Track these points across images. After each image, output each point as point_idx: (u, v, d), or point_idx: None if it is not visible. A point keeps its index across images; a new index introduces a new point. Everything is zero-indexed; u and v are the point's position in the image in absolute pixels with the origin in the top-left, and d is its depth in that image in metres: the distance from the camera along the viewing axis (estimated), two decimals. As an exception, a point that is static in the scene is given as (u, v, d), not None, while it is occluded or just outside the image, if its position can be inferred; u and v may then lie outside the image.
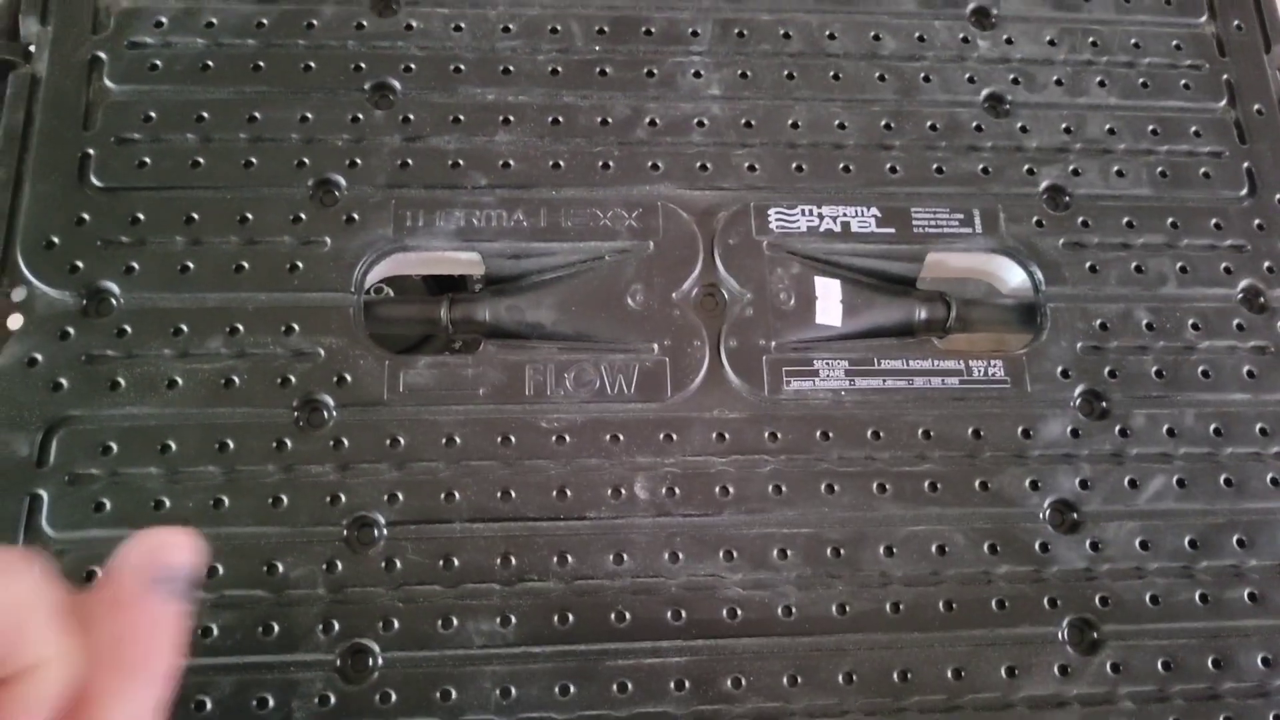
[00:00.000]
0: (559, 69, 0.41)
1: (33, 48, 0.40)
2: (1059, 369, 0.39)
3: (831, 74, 0.42)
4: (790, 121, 0.41)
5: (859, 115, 0.41)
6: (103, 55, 0.39)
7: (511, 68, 0.41)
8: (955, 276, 0.43)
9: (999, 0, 0.44)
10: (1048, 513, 0.37)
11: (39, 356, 0.35)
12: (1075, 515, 0.37)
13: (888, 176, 0.41)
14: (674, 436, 0.37)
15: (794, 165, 0.41)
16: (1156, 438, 0.38)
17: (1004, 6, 0.44)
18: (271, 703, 0.33)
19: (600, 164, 0.40)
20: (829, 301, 0.39)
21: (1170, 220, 0.41)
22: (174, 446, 0.35)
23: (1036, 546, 0.37)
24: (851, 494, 0.37)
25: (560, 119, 0.40)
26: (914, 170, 0.41)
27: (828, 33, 0.42)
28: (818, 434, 0.37)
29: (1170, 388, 0.39)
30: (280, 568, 0.34)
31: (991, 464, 0.38)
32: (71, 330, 0.36)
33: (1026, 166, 0.41)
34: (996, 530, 0.37)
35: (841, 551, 0.36)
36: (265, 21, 0.40)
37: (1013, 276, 0.42)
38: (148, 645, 0.20)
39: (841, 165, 0.41)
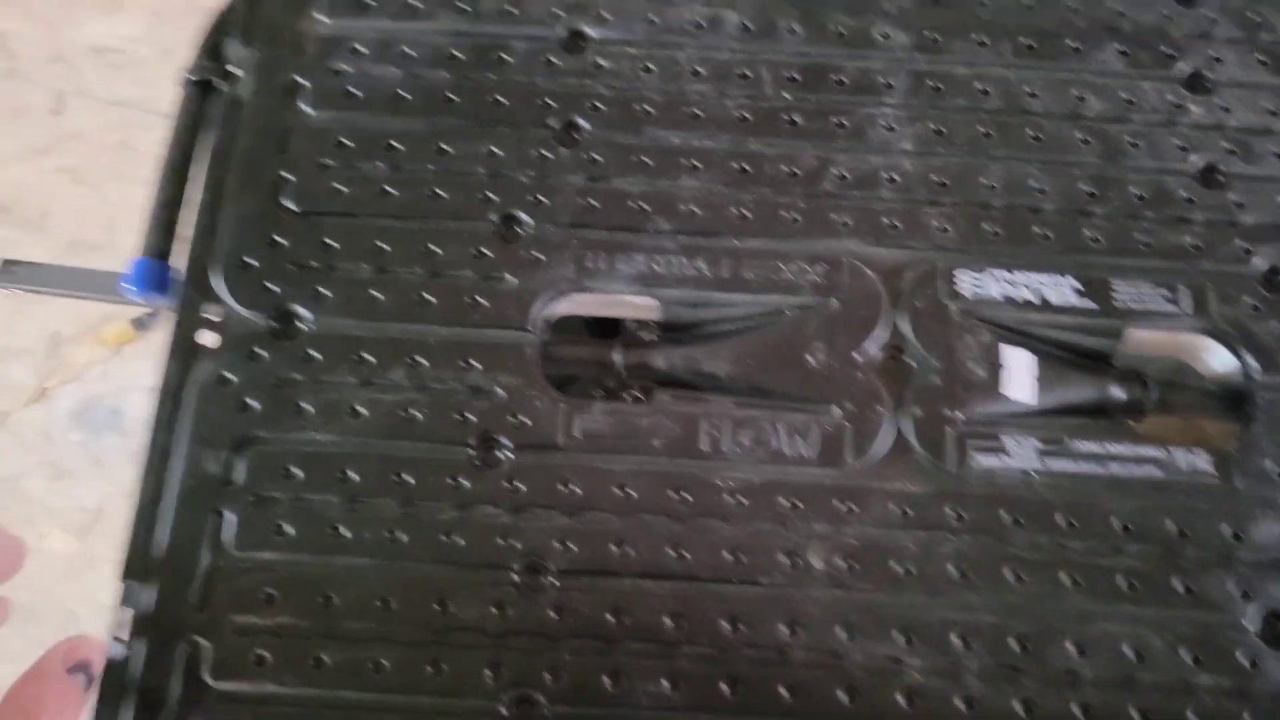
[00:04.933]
0: (747, 116, 0.40)
1: (233, 69, 0.41)
2: (1273, 466, 0.36)
3: (1030, 133, 0.40)
4: (985, 181, 0.39)
5: (1058, 178, 0.39)
6: (303, 80, 0.40)
7: (699, 112, 0.40)
8: (1152, 355, 0.40)
9: (1214, 64, 0.41)
10: (1258, 624, 0.34)
11: (231, 376, 0.36)
12: (1286, 627, 0.34)
13: (1088, 245, 0.39)
14: (853, 506, 0.35)
15: (987, 227, 0.39)
16: (1379, 548, 0.35)
17: (1220, 71, 0.41)
18: (436, 747, 0.32)
19: (786, 215, 0.39)
20: (1020, 374, 0.37)
21: (1400, 310, 0.38)
22: (354, 476, 0.35)
23: (1243, 660, 0.34)
24: (1040, 583, 0.35)
25: (746, 167, 0.39)
26: (1117, 240, 0.39)
27: (1027, 90, 0.41)
28: (1005, 516, 0.35)
29: (1396, 494, 0.36)
30: (451, 607, 0.34)
31: (1195, 564, 0.35)
32: (262, 352, 0.37)
33: (1241, 244, 0.39)
34: (1199, 637, 0.34)
35: (1028, 644, 0.34)
36: (458, 54, 0.41)
37: (1218, 360, 0.39)
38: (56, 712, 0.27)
39: (1038, 230, 0.39)
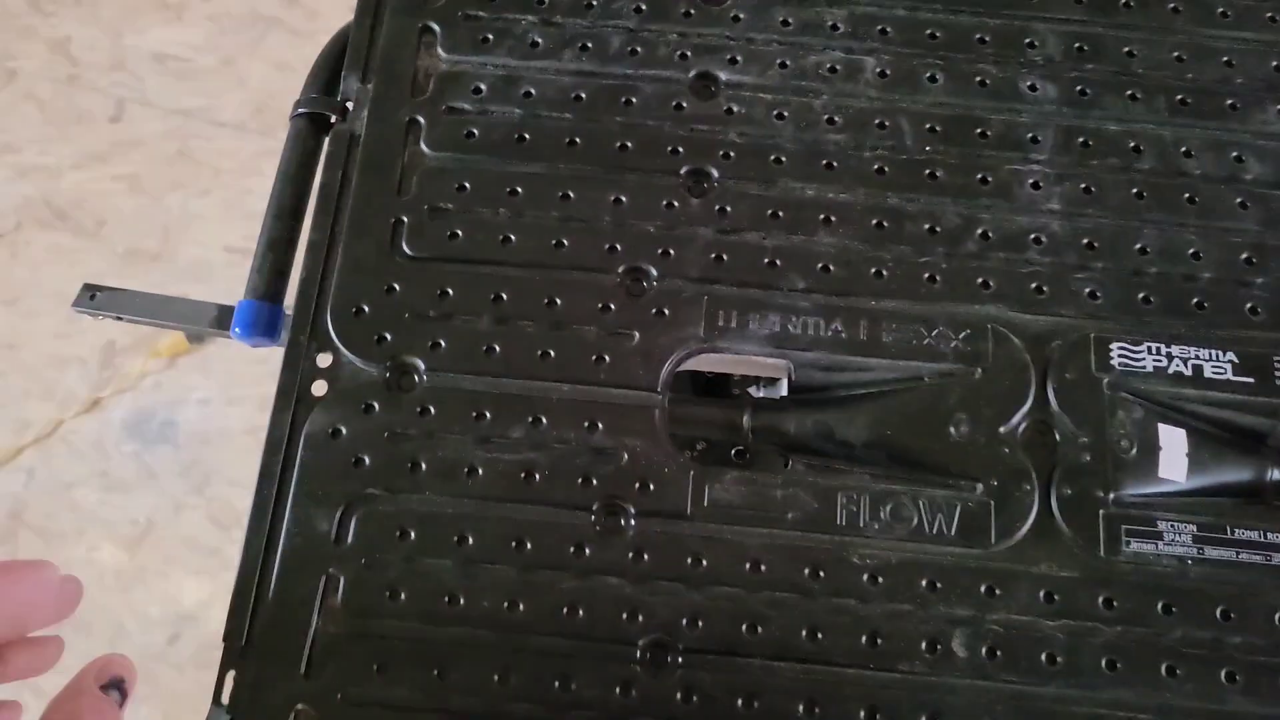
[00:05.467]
0: (885, 168, 0.38)
1: (349, 104, 0.40)
2: None
3: (1186, 196, 0.38)
4: (1138, 246, 0.37)
5: (1216, 245, 0.37)
6: (421, 119, 0.39)
7: (835, 163, 0.38)
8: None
9: (1379, 126, 0.39)
10: None
11: (343, 429, 0.35)
12: None
13: (1247, 318, 0.36)
14: (997, 590, 0.33)
15: (1140, 295, 0.37)
16: None
17: (1385, 133, 0.39)
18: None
19: (926, 276, 0.37)
20: (1174, 453, 0.35)
21: None
22: (470, 540, 0.33)
23: None
24: (1197, 680, 0.32)
25: (885, 223, 0.37)
26: (1278, 314, 0.36)
27: (1183, 149, 0.38)
28: (1160, 606, 0.33)
29: None
30: (573, 685, 0.32)
31: (1366, 666, 0.33)
32: (375, 404, 0.35)
33: None
34: (1371, 746, 0.32)
35: (1188, 749, 0.32)
36: (583, 95, 0.39)
37: (1380, 441, 0.37)
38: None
39: (1194, 300, 0.37)
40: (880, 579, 0.33)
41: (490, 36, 0.40)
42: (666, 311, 0.36)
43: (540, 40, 0.40)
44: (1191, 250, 0.37)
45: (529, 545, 0.33)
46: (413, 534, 0.33)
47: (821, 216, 0.37)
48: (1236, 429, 0.36)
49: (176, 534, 0.96)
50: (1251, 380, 0.36)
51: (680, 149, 0.38)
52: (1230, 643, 0.33)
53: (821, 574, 0.33)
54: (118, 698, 0.29)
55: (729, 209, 0.37)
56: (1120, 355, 0.36)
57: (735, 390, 0.42)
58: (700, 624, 0.33)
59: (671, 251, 0.37)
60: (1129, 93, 0.39)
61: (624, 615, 0.33)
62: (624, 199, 0.38)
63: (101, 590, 0.93)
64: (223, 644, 0.33)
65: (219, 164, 1.08)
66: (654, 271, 0.37)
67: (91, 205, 1.10)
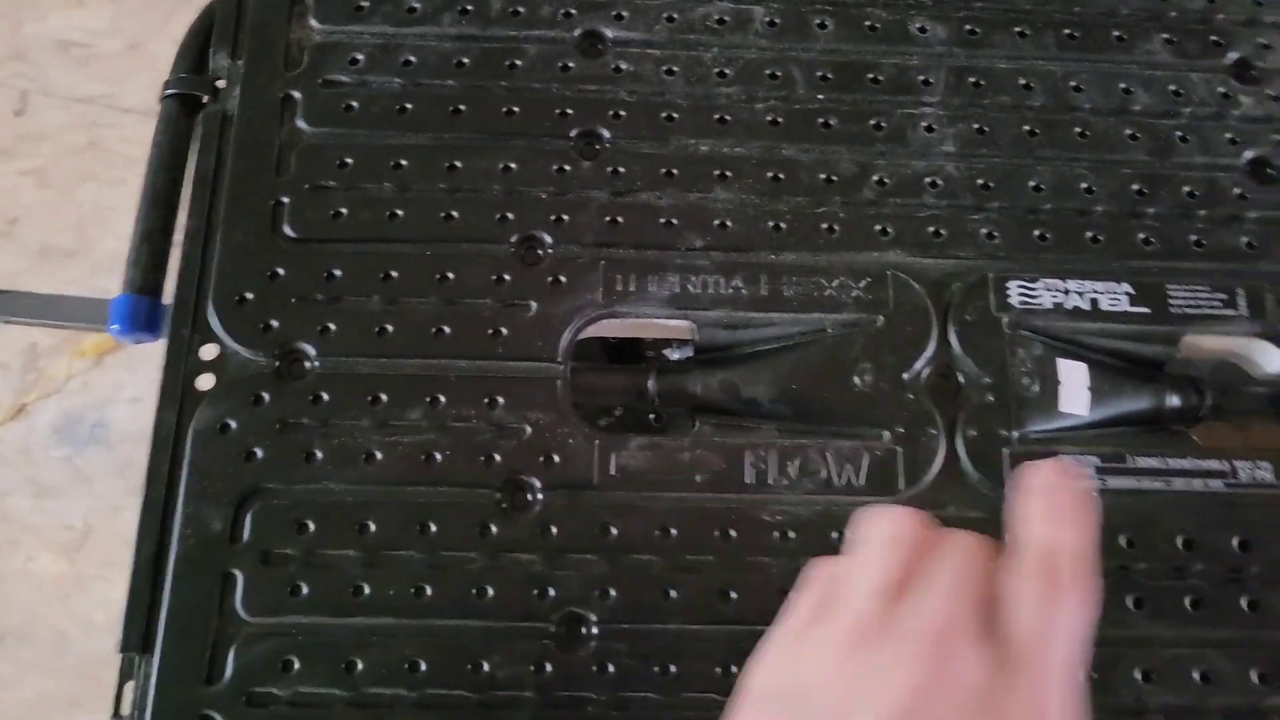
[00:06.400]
0: (779, 119, 0.37)
1: (221, 83, 0.38)
2: (1339, 475, 0.35)
3: (1077, 131, 0.38)
4: (1032, 184, 0.37)
5: (1108, 178, 0.37)
6: (296, 94, 0.37)
7: (728, 117, 0.37)
8: (1200, 358, 0.38)
9: (1262, 52, 0.39)
10: (1330, 642, 0.33)
11: (232, 423, 0.33)
12: (1359, 646, 0.33)
13: (1140, 248, 0.37)
14: (908, 536, 0.33)
15: (1036, 233, 0.37)
16: None
17: (1269, 59, 0.39)
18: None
19: (824, 226, 0.36)
20: (1075, 388, 0.35)
21: None
22: (373, 526, 0.33)
23: (1318, 680, 0.33)
24: (1104, 607, 0.33)
25: (780, 175, 0.37)
26: (1170, 242, 0.37)
27: (1073, 84, 0.38)
28: (1067, 540, 0.34)
29: None
30: (486, 666, 0.31)
31: (1260, 581, 0.33)
32: (265, 394, 0.34)
33: (1298, 241, 0.37)
34: (1268, 657, 0.33)
35: (1093, 675, 0.32)
36: (465, 61, 0.38)
37: (1271, 362, 0.37)
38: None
39: (1089, 234, 0.37)
40: (792, 534, 0.33)
41: (365, 4, 0.38)
42: (563, 279, 0.35)
43: (418, 5, 0.38)
44: (1084, 185, 0.37)
45: (434, 528, 0.33)
46: (312, 526, 0.32)
47: (716, 172, 0.37)
48: (1135, 359, 0.37)
49: (116, 537, 0.94)
50: (1147, 310, 0.36)
51: (569, 111, 0.37)
52: (1135, 569, 0.33)
53: (733, 534, 0.33)
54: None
55: (622, 170, 0.36)
56: (1019, 293, 0.36)
57: (650, 355, 0.42)
58: (613, 594, 0.32)
59: (565, 217, 0.36)
60: (1017, 30, 0.39)
61: (535, 592, 0.32)
62: (513, 166, 0.36)
63: (42, 600, 0.90)
64: (119, 654, 0.32)
65: (131, 152, 1.03)
66: (548, 239, 0.36)
67: (0, 203, 1.05)
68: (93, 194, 1.05)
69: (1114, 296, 0.36)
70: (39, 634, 0.90)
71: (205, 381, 0.34)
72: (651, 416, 0.40)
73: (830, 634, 0.24)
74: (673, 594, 0.32)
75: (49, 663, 0.90)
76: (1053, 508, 0.25)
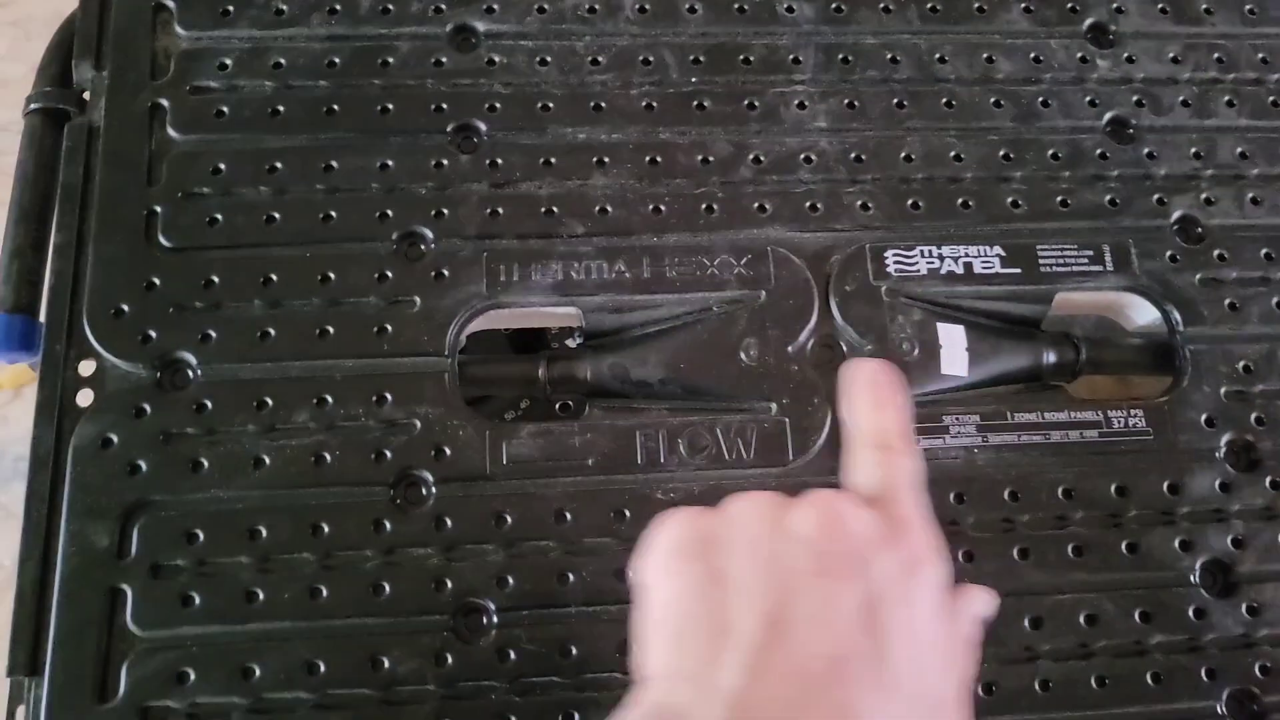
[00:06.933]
0: (654, 104, 0.38)
1: (87, 95, 0.37)
2: (1203, 417, 0.36)
3: (944, 101, 0.39)
4: (903, 154, 0.38)
5: (976, 145, 0.39)
6: (164, 102, 0.36)
7: (603, 104, 0.38)
8: (1074, 314, 0.40)
9: (1117, 16, 0.41)
10: (1200, 575, 0.35)
11: (113, 437, 0.33)
12: (1230, 577, 0.35)
13: (1010, 211, 0.38)
14: (799, 504, 0.34)
15: (910, 202, 0.38)
16: (1312, 489, 0.36)
17: (1123, 23, 0.41)
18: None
19: (704, 207, 0.37)
20: (954, 350, 0.36)
21: (1312, 251, 0.38)
22: (264, 532, 0.32)
23: (1190, 613, 0.34)
24: (991, 561, 0.34)
25: (658, 159, 0.37)
26: (1037, 204, 0.38)
27: (938, 56, 0.40)
28: (951, 496, 0.35)
29: (1323, 434, 0.36)
30: (386, 662, 0.31)
31: (1138, 524, 0.35)
32: (147, 406, 0.33)
33: (1156, 196, 0.39)
34: (1147, 596, 0.34)
35: (984, 625, 0.33)
36: (337, 61, 0.37)
37: (1141, 314, 0.39)
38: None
39: (960, 200, 0.38)
40: (685, 510, 0.34)
41: (231, 8, 0.38)
42: (446, 273, 0.35)
43: (285, 7, 0.38)
44: (953, 153, 0.38)
45: (327, 529, 0.32)
46: (201, 535, 0.32)
47: (594, 159, 0.37)
48: (1011, 319, 0.38)
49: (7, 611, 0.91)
50: (1019, 270, 0.37)
51: (444, 105, 0.37)
52: (1020, 521, 0.35)
53: (627, 514, 0.33)
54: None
55: (500, 161, 0.37)
56: (895, 261, 0.37)
57: (554, 345, 0.42)
58: (511, 582, 0.32)
59: (445, 211, 0.36)
60: (882, 5, 0.40)
61: (432, 585, 0.32)
62: (391, 163, 0.36)
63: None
64: (7, 678, 0.31)
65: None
66: (429, 234, 0.36)
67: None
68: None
69: (986, 260, 0.37)
70: (-35, 679, 0.87)
71: (84, 397, 0.33)
72: (557, 407, 0.40)
73: (730, 545, 0.26)
74: (570, 578, 0.33)
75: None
76: (874, 399, 0.29)
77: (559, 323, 0.37)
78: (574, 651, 0.32)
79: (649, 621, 0.25)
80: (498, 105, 0.37)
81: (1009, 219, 0.38)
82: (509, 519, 0.33)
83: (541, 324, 0.37)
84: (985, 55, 0.40)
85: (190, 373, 0.34)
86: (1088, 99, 0.40)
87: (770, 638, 0.24)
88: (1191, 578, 0.34)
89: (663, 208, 0.37)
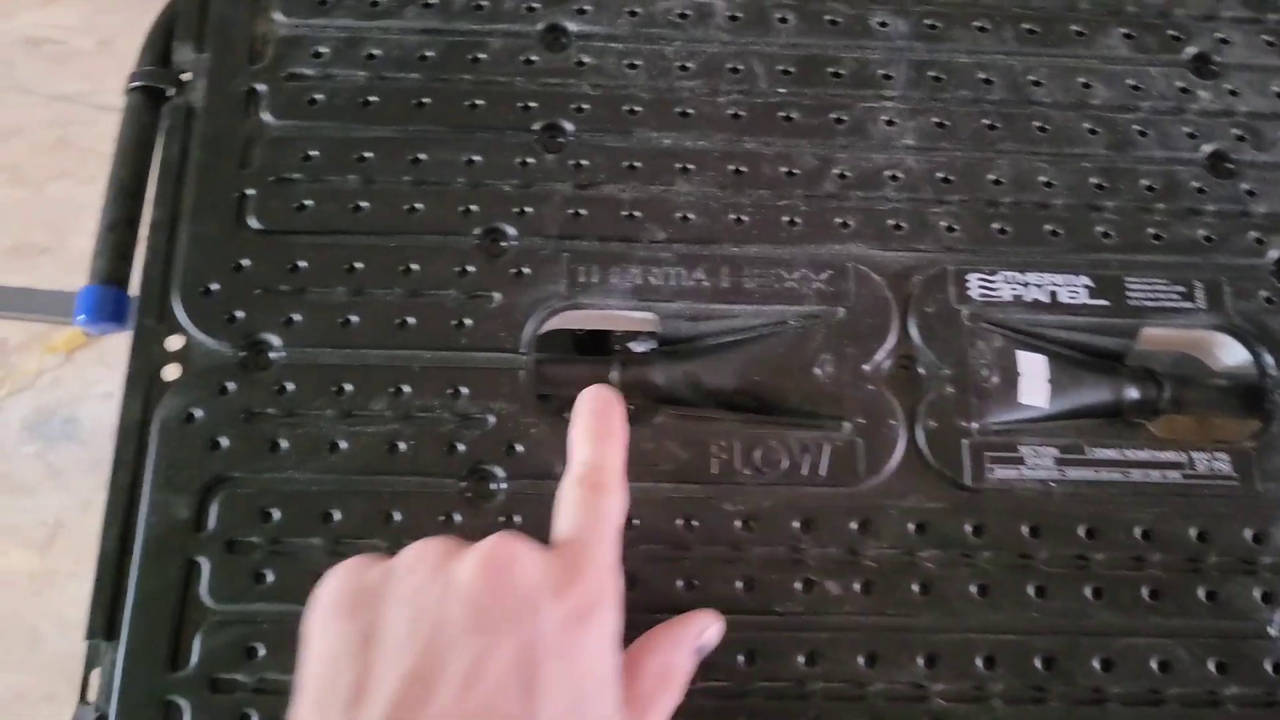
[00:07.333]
0: (740, 113, 0.38)
1: (186, 76, 0.38)
2: (1292, 465, 0.35)
3: (1037, 125, 0.38)
4: (992, 177, 0.37)
5: (1067, 171, 0.38)
6: (260, 87, 0.37)
7: (690, 110, 0.38)
8: (1165, 352, 0.39)
9: (1221, 46, 0.40)
10: (1281, 628, 0.34)
11: (197, 412, 0.33)
12: (1312, 633, 0.34)
13: (1099, 241, 0.37)
14: (868, 526, 0.34)
15: (996, 226, 0.37)
16: (1402, 547, 0.34)
17: (1227, 54, 0.40)
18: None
19: (786, 219, 0.37)
20: (1034, 380, 0.36)
21: None
22: (337, 515, 0.33)
23: (1270, 668, 0.33)
24: (1063, 599, 0.33)
25: (742, 168, 0.37)
26: (1128, 235, 0.37)
27: (1032, 78, 0.39)
28: (1025, 530, 0.34)
29: None
30: (448, 654, 0.32)
31: (1218, 571, 0.34)
32: (231, 385, 0.34)
33: (1254, 235, 0.37)
34: (1224, 646, 0.33)
35: (1053, 664, 0.33)
36: (429, 54, 0.38)
37: (1230, 355, 0.38)
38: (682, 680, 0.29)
39: (1048, 227, 0.37)
40: (753, 524, 0.33)
41: (330, -3, 0.38)
42: (526, 271, 0.35)
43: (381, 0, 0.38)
44: (1043, 178, 0.38)
45: (398, 517, 0.33)
46: (277, 515, 0.33)
47: (679, 165, 0.37)
48: (1094, 351, 0.37)
49: (87, 533, 0.93)
50: (1106, 302, 0.37)
51: (532, 104, 0.37)
52: (1094, 559, 0.34)
53: (695, 524, 0.33)
54: (696, 662, 0.30)
55: (585, 163, 0.37)
56: (979, 285, 0.36)
57: (617, 347, 0.42)
58: (575, 582, 0.33)
59: (528, 210, 0.36)
60: (977, 24, 0.39)
61: (498, 580, 0.32)
62: (477, 159, 0.37)
63: (14, 596, 0.90)
64: (86, 642, 0.32)
65: (102, 150, 1.03)
66: (512, 231, 0.36)
67: (-29, 201, 1.05)
68: (64, 191, 1.04)
69: (1073, 289, 0.37)
70: (12, 630, 0.90)
71: (171, 371, 0.34)
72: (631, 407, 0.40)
73: (389, 598, 0.25)
74: (635, 582, 0.33)
75: (21, 659, 0.89)
76: (592, 429, 0.30)
77: (634, 327, 0.37)
78: (634, 657, 0.32)
79: (299, 683, 0.25)
80: (585, 106, 0.37)
81: (1098, 249, 0.37)
82: (576, 520, 0.33)
83: (616, 327, 0.37)
84: (1081, 80, 0.39)
85: (273, 354, 0.34)
86: (1186, 130, 0.39)
87: (411, 697, 0.23)
88: (1271, 630, 0.33)
89: (744, 218, 0.36)
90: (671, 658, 0.29)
